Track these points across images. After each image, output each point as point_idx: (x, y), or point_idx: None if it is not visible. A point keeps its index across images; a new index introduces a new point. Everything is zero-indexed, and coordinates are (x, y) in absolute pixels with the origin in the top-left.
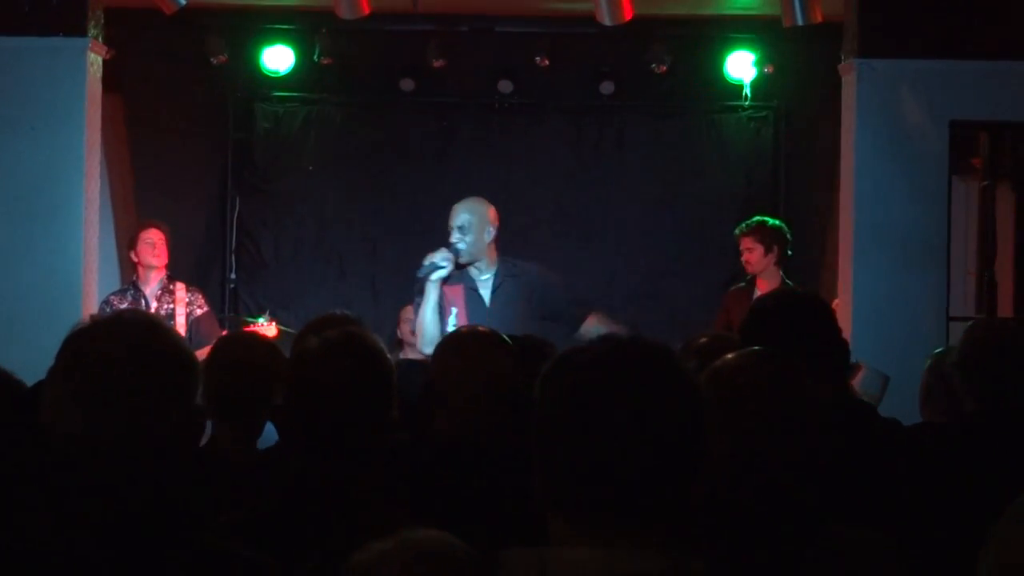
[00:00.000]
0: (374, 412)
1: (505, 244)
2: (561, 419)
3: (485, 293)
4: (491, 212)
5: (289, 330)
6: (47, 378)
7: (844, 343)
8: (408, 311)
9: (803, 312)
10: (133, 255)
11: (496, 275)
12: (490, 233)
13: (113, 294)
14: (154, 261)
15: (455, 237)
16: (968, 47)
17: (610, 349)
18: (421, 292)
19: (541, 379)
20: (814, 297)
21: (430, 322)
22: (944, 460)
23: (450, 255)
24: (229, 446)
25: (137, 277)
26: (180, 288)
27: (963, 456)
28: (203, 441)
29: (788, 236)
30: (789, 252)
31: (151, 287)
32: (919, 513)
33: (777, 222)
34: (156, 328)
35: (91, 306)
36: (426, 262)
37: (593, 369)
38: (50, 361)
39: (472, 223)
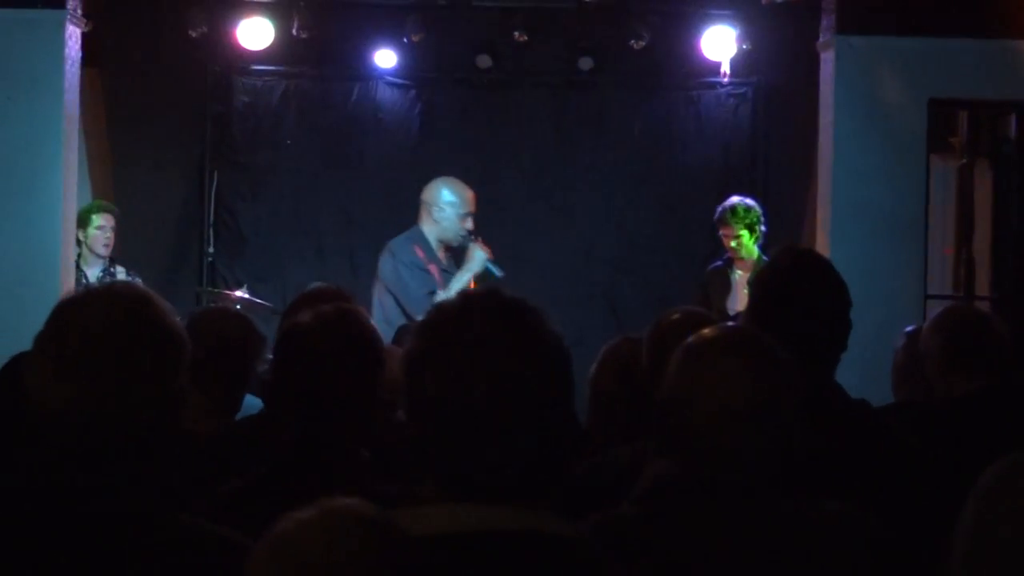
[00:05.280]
0: (364, 388)
1: (482, 219)
2: (428, 388)
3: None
4: None
5: (262, 302)
6: (33, 345)
7: (847, 324)
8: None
9: (817, 287)
10: (80, 235)
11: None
12: None
13: None
14: (104, 251)
15: (469, 224)
16: (947, 25)
17: (473, 314)
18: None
19: (408, 350)
20: (828, 270)
21: None
22: (929, 438)
23: None
24: (202, 420)
25: (79, 256)
26: (121, 272)
27: (948, 435)
28: None
29: (761, 214)
30: (763, 228)
31: (93, 270)
32: (901, 493)
33: (752, 203)
34: (148, 301)
35: (69, 279)
36: (491, 265)
37: (454, 336)
38: (27, 332)
39: None
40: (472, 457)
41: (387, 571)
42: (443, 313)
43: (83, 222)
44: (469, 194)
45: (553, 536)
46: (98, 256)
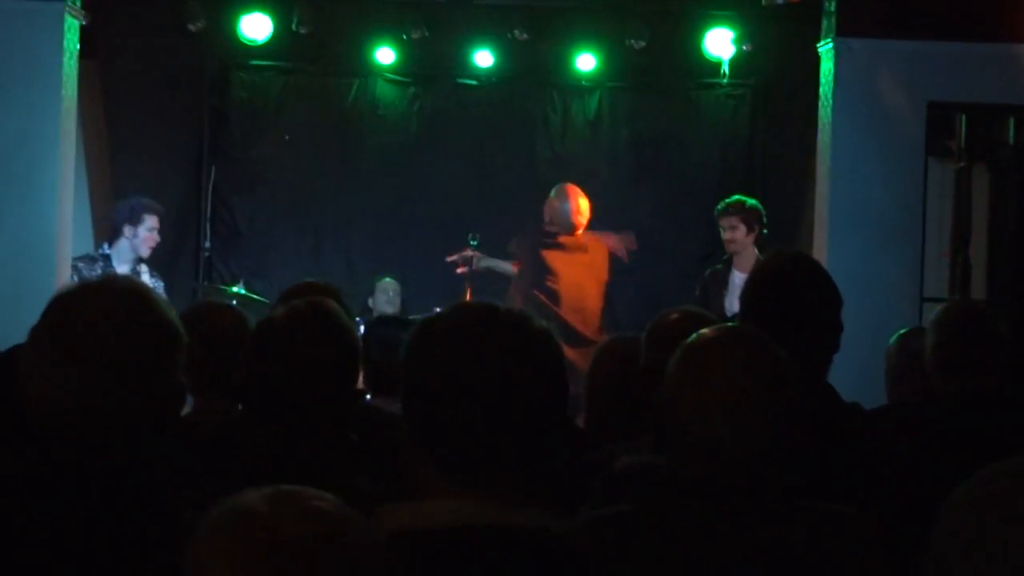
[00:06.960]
0: (336, 382)
1: (480, 217)
2: (427, 382)
3: None
4: None
5: (259, 298)
6: (28, 340)
7: (838, 325)
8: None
9: (808, 288)
10: (129, 230)
11: None
12: None
13: (81, 259)
14: (148, 253)
15: None
16: (947, 28)
17: (470, 315)
18: None
19: (407, 346)
20: (819, 271)
21: None
22: (922, 440)
23: None
24: (214, 417)
25: (110, 247)
26: (144, 273)
27: (941, 436)
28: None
29: (764, 215)
30: (764, 231)
31: (123, 266)
32: (896, 492)
33: (754, 201)
34: (145, 296)
35: (65, 273)
36: None
37: (453, 334)
38: (22, 327)
39: None
40: (464, 452)
41: (343, 565)
42: (440, 313)
43: (136, 219)
44: None
45: (540, 531)
46: (139, 256)
